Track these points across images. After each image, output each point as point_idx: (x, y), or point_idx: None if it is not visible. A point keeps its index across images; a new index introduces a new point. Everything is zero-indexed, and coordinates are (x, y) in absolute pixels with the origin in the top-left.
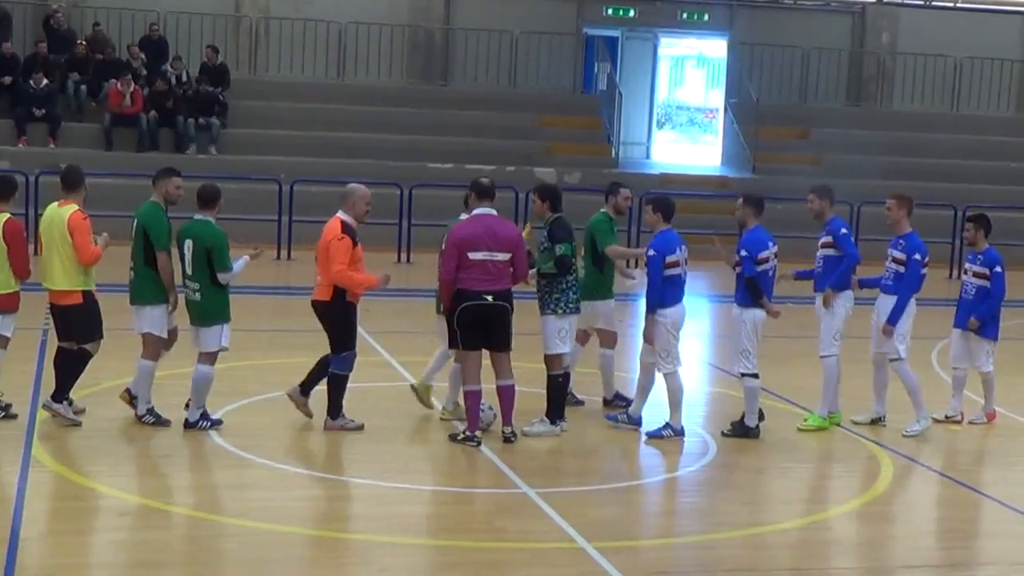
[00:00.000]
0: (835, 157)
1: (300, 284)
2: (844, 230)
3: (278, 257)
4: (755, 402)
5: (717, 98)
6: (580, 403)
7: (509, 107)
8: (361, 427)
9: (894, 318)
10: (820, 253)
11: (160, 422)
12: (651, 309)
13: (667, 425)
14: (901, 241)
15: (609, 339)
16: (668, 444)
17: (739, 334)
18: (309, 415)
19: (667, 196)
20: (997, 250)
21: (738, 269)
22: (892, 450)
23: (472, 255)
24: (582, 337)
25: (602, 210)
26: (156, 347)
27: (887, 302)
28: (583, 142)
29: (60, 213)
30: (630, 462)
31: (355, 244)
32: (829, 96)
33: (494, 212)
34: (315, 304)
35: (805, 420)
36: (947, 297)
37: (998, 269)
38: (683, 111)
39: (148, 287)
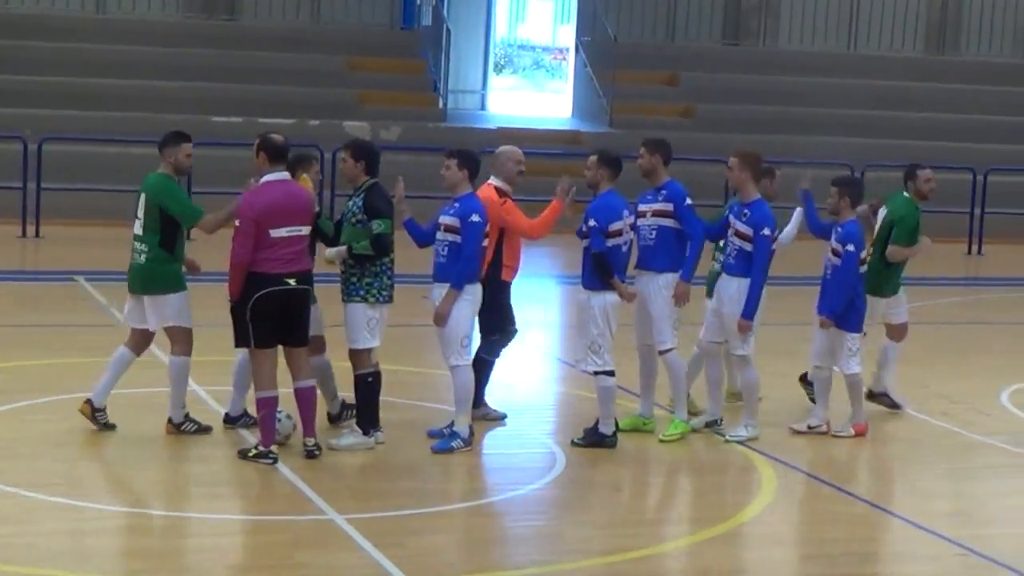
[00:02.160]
0: (709, 107)
1: (50, 268)
2: (688, 200)
3: (23, 234)
4: (611, 405)
5: (567, 36)
6: (898, 407)
7: (311, 47)
8: (504, 416)
9: (749, 310)
10: (650, 222)
11: (201, 429)
12: (460, 285)
13: (455, 435)
14: (746, 211)
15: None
16: (506, 457)
17: (588, 324)
18: (499, 417)
19: (473, 151)
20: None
21: (585, 242)
22: (776, 459)
23: (274, 232)
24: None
25: (904, 194)
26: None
27: (730, 285)
28: (403, 90)
29: None
30: (460, 480)
31: None
32: (702, 34)
33: (288, 176)
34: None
35: (667, 430)
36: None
37: (850, 248)
38: (526, 52)
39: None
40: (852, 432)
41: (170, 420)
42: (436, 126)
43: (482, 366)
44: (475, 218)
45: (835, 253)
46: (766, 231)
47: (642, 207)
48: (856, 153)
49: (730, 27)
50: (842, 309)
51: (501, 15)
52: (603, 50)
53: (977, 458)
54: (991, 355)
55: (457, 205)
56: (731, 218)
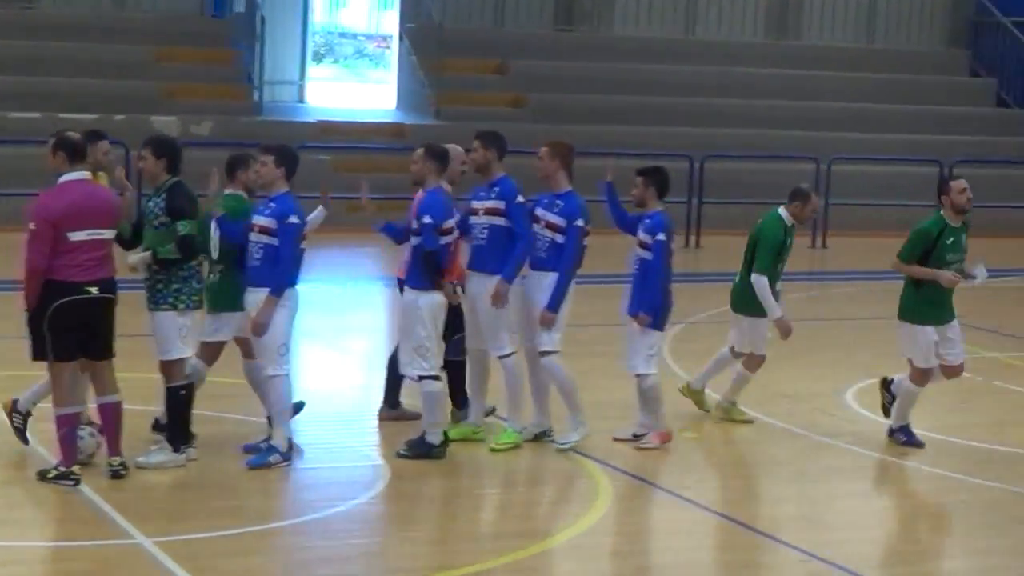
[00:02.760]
0: (541, 96)
1: None
2: (520, 198)
3: None
4: (438, 412)
5: (391, 22)
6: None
7: (115, 37)
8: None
9: (554, 302)
10: (482, 220)
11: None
12: (279, 291)
13: (272, 449)
14: (558, 201)
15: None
16: (328, 472)
17: (413, 325)
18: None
19: (290, 147)
20: (669, 214)
21: (415, 240)
22: (612, 467)
23: (73, 235)
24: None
25: (940, 212)
26: None
27: (540, 281)
28: (214, 82)
29: None
30: (278, 497)
31: None
32: (532, 19)
33: (88, 176)
34: (399, 281)
35: (498, 439)
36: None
37: (661, 237)
38: (347, 40)
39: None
40: (656, 443)
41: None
42: (251, 120)
43: (457, 367)
44: (293, 219)
45: (643, 246)
46: (579, 222)
47: (474, 204)
48: (697, 143)
49: (562, 12)
50: (655, 305)
51: (320, 1)
52: (428, 37)
53: (821, 460)
54: (837, 352)
55: (273, 205)
56: (539, 211)
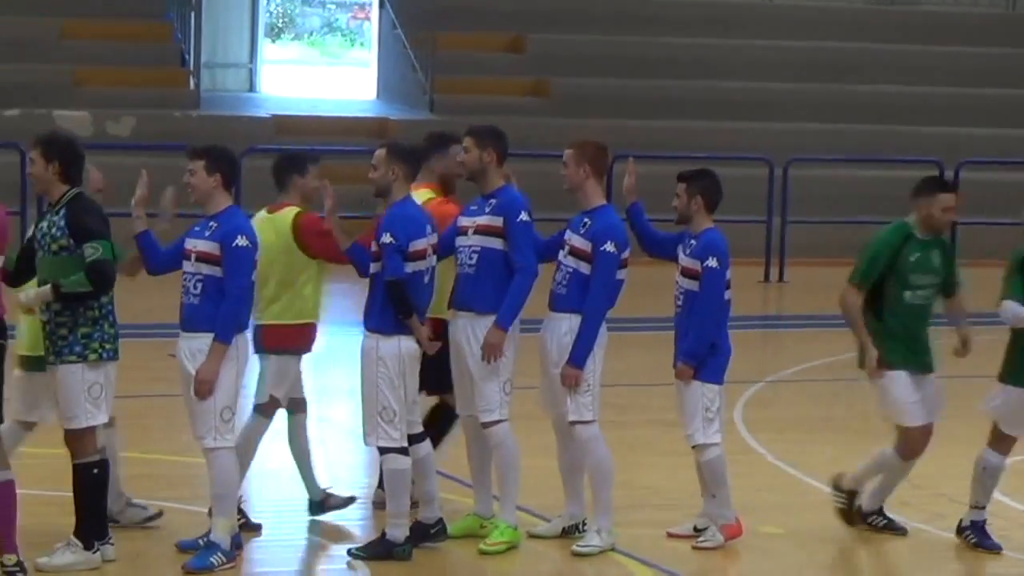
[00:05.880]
0: (569, 81)
1: None
2: (525, 215)
3: None
4: (404, 498)
5: None
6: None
7: (8, 7)
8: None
9: (581, 353)
10: (472, 241)
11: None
12: (227, 337)
13: (214, 546)
14: (586, 220)
15: None
16: None
17: (375, 380)
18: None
19: (224, 147)
20: (722, 231)
21: (375, 267)
22: (660, 568)
23: None
24: None
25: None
26: None
27: (562, 324)
28: (139, 65)
29: None
30: None
31: None
32: None
33: None
34: None
35: (490, 537)
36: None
37: (712, 263)
38: (313, 10)
39: None
40: (722, 539)
41: None
42: (186, 115)
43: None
44: (241, 241)
45: (688, 274)
46: (609, 246)
47: (464, 221)
48: (777, 142)
49: None
50: (705, 349)
51: None
52: (419, 5)
53: (949, 566)
54: (969, 417)
55: (215, 225)
56: (568, 233)
